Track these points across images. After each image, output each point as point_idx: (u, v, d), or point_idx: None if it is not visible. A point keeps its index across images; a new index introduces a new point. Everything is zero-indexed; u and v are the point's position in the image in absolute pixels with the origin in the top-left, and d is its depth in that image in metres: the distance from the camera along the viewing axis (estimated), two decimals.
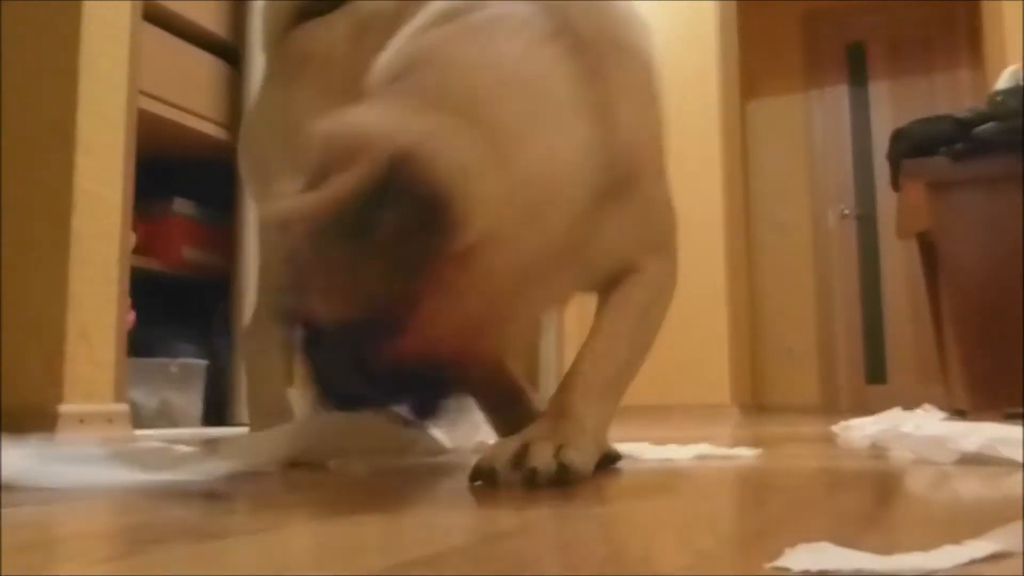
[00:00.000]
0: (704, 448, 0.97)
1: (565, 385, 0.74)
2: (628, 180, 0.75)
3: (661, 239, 0.85)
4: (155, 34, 1.71)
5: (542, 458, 0.65)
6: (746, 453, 0.94)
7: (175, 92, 1.76)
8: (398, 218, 0.58)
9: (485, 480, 0.65)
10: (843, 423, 1.35)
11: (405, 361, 0.63)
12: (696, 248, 3.38)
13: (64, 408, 1.35)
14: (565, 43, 0.70)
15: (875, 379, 4.13)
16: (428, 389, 0.68)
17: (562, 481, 0.63)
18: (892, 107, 4.21)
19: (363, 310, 0.61)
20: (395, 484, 0.74)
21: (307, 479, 0.77)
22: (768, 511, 0.53)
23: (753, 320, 4.21)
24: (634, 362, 0.79)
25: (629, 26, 0.80)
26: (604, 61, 0.73)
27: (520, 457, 0.65)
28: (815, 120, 4.41)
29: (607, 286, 0.81)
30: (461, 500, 0.62)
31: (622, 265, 0.80)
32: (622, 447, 0.82)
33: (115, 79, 1.49)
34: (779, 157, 4.48)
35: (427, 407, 0.70)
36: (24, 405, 1.37)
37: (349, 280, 0.61)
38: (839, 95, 4.38)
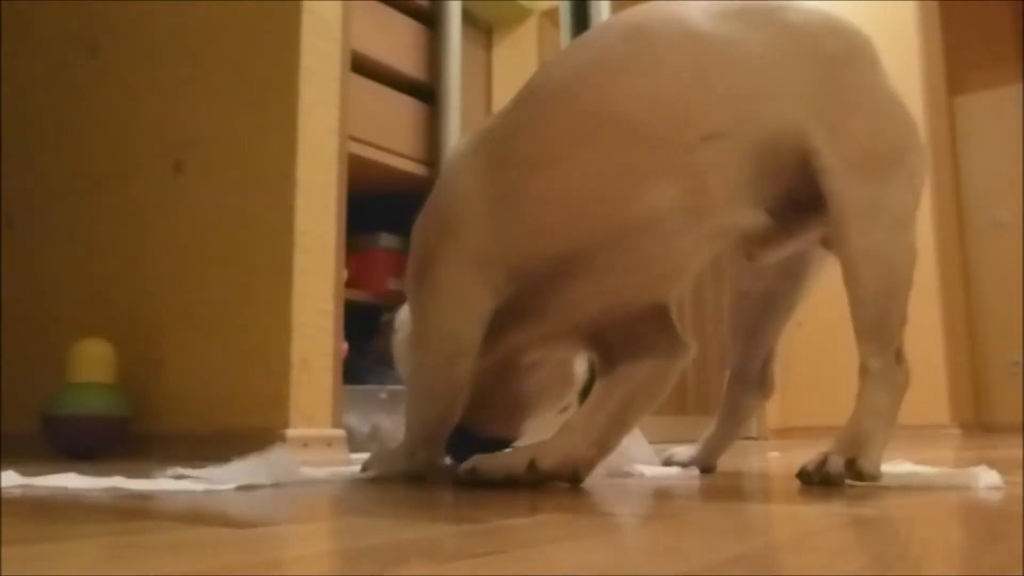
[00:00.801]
0: (928, 471, 0.92)
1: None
2: None
3: None
4: (360, 82, 1.83)
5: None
6: (981, 479, 0.87)
7: (379, 134, 1.88)
8: None
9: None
10: None
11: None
12: None
13: (290, 432, 1.46)
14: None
15: None
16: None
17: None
18: None
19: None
20: (632, 491, 0.75)
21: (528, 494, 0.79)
22: (1008, 547, 0.50)
23: (972, 330, 3.90)
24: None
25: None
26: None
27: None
28: None
29: None
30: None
31: None
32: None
33: (328, 126, 1.60)
34: (994, 155, 4.15)
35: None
36: (254, 429, 1.50)
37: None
38: None
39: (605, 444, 0.94)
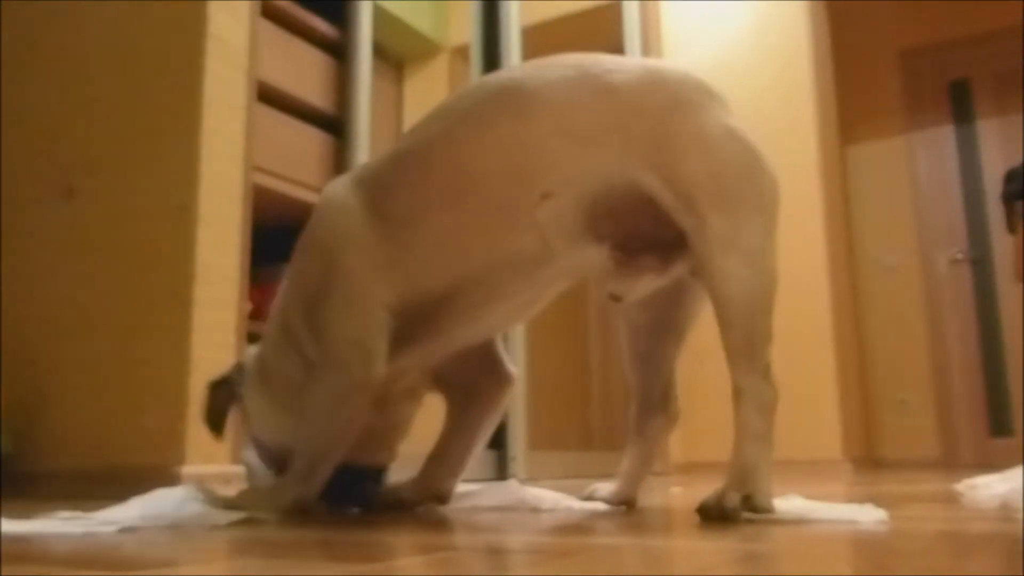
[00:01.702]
0: (818, 506, 0.94)
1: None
2: None
3: None
4: (267, 112, 1.81)
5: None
6: (868, 515, 0.90)
7: (286, 165, 1.85)
8: None
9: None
10: (968, 481, 1.29)
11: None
12: (800, 296, 3.31)
13: (186, 469, 1.41)
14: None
15: (1000, 431, 3.91)
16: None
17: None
18: (1002, 145, 4.05)
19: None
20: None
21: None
22: None
23: (863, 369, 4.07)
24: None
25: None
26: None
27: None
28: (919, 162, 4.28)
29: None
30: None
31: None
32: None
33: (232, 155, 1.57)
34: (883, 201, 4.36)
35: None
36: (148, 466, 1.44)
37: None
38: (944, 135, 4.24)
39: (459, 471, 1.20)
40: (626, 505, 1.18)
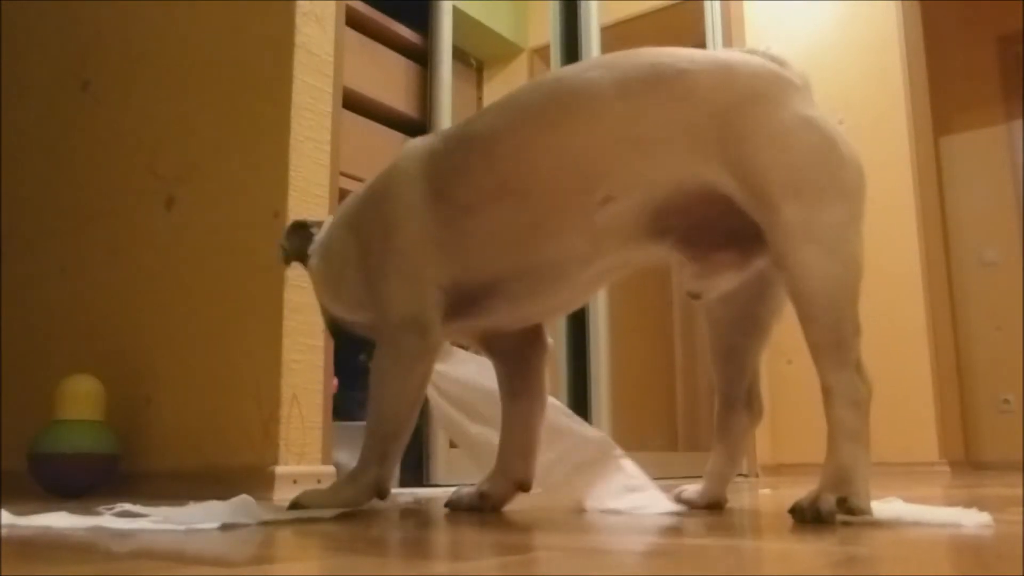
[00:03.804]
0: (918, 509, 0.92)
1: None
2: None
3: None
4: (352, 118, 1.85)
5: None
6: (972, 518, 0.87)
7: (371, 170, 1.89)
8: None
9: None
10: None
11: None
12: (893, 294, 3.21)
13: (280, 469, 1.45)
14: None
15: None
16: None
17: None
18: None
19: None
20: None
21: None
22: None
23: (961, 368, 3.92)
24: None
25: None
26: None
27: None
28: (1020, 152, 4.11)
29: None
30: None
31: None
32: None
33: (319, 162, 1.61)
34: (982, 194, 4.19)
35: None
36: (244, 466, 1.48)
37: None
38: None
39: (533, 451, 1.20)
40: (715, 506, 1.16)
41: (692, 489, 1.18)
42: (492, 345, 1.21)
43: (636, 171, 0.99)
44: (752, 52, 1.05)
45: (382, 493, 1.09)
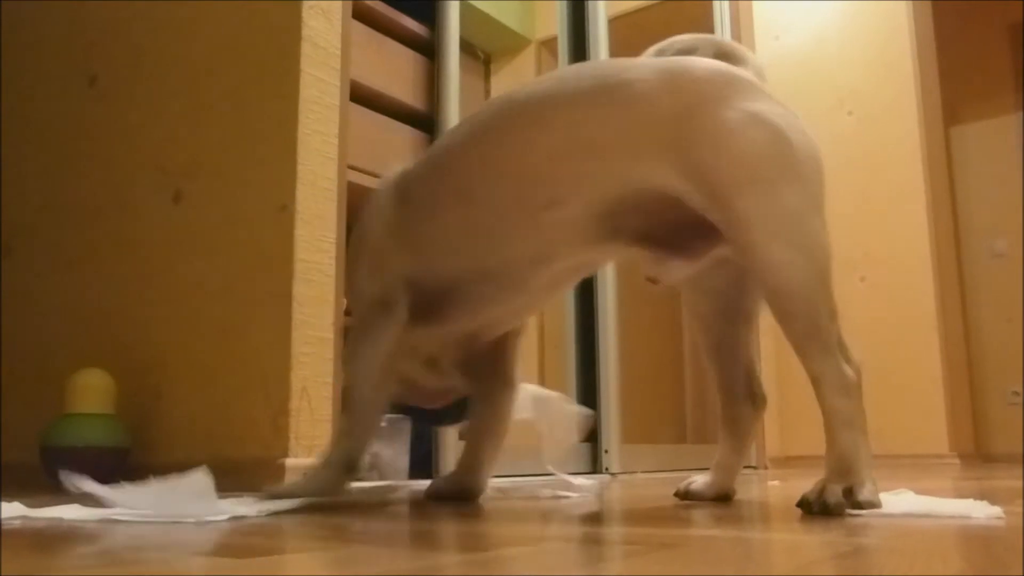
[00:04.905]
0: (929, 501, 0.91)
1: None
2: None
3: None
4: (359, 111, 1.85)
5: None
6: (982, 510, 0.87)
7: (378, 163, 1.89)
8: None
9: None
10: None
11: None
12: (903, 285, 3.20)
13: (290, 462, 1.46)
14: None
15: None
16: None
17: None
18: None
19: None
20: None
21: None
22: None
23: (971, 361, 3.90)
24: None
25: None
26: None
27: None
28: None
29: None
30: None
31: None
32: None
33: (327, 155, 1.62)
34: (992, 184, 4.17)
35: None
36: (255, 458, 1.49)
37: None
38: None
39: (488, 468, 1.28)
40: (723, 498, 1.16)
41: (700, 481, 1.19)
42: (467, 370, 1.28)
43: (579, 177, 1.03)
44: (704, 41, 1.07)
45: (350, 465, 1.13)
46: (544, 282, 1.12)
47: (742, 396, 1.16)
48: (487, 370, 1.29)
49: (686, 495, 1.18)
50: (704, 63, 1.03)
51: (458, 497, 1.25)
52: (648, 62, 1.05)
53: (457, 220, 1.11)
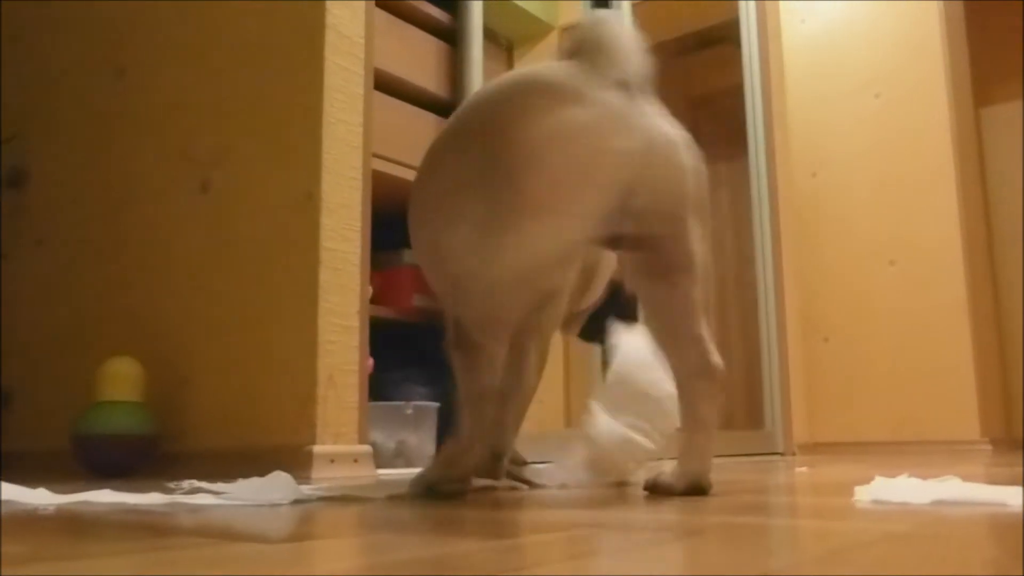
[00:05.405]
0: (963, 487, 0.90)
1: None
2: None
3: None
4: (383, 100, 1.85)
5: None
6: (1017, 497, 0.86)
7: (403, 151, 1.89)
8: None
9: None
10: None
11: None
12: (933, 270, 3.16)
13: (317, 449, 1.47)
14: None
15: None
16: None
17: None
18: None
19: None
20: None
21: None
22: None
23: (1003, 346, 3.85)
24: None
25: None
26: None
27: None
28: None
29: None
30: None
31: None
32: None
33: (352, 144, 1.62)
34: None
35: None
36: (281, 446, 1.50)
37: None
38: None
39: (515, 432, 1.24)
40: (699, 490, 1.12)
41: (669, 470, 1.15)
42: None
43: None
44: (574, 28, 1.05)
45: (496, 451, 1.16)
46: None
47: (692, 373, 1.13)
48: (523, 329, 1.24)
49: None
50: (531, 79, 1.00)
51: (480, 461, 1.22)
52: (511, 87, 1.02)
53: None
